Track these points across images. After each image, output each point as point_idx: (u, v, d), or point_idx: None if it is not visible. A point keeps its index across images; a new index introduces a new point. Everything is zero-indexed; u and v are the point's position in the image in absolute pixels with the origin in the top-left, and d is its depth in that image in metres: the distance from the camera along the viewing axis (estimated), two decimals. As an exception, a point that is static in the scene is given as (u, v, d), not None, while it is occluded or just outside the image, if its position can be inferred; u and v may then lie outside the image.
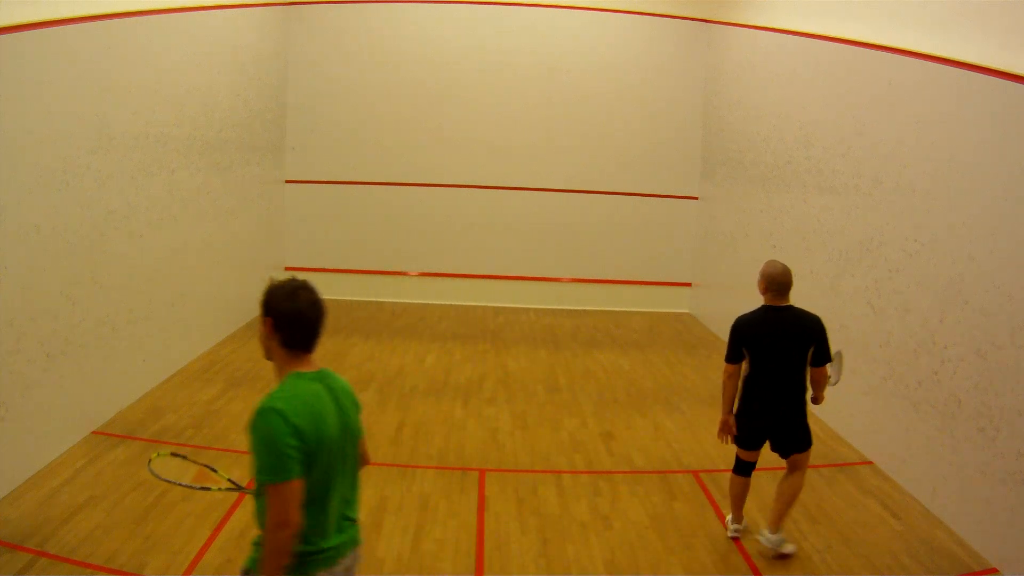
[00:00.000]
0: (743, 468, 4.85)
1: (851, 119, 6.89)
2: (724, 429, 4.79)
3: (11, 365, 5.13)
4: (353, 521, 2.74)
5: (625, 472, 5.94)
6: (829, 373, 4.62)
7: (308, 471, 2.50)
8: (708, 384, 8.22)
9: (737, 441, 4.80)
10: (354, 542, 2.74)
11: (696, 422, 7.05)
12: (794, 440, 4.65)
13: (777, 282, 4.57)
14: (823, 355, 4.57)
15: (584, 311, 11.74)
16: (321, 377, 2.64)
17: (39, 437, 5.48)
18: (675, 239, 11.93)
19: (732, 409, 4.74)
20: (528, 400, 7.55)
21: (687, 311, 11.89)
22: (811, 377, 4.61)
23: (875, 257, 6.35)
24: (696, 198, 11.77)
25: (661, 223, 11.92)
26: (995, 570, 4.64)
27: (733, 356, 4.67)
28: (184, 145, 7.84)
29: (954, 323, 5.29)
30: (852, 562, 4.68)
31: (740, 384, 4.69)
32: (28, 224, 5.27)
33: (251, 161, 9.96)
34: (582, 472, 5.91)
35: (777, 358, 4.56)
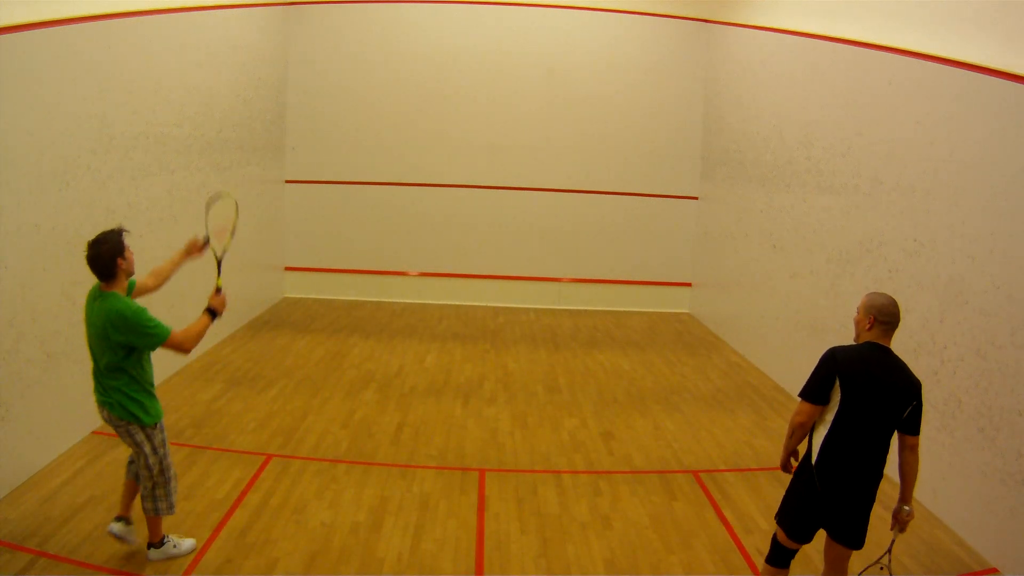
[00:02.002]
0: (782, 557, 3.80)
1: (851, 119, 6.90)
2: (786, 465, 3.84)
3: (11, 365, 5.14)
4: (101, 399, 4.13)
5: (625, 472, 5.94)
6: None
7: None
8: (708, 384, 8.22)
9: (786, 524, 3.77)
10: (101, 406, 4.14)
11: (696, 422, 7.05)
12: (855, 529, 3.68)
13: (888, 313, 3.62)
14: (918, 420, 3.60)
15: (584, 311, 11.75)
16: (96, 294, 4.07)
17: (39, 437, 5.48)
18: (675, 239, 11.93)
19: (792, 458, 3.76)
20: (528, 400, 7.55)
21: (687, 311, 11.89)
22: (900, 444, 3.65)
23: (875, 257, 6.35)
24: (696, 198, 11.77)
25: (661, 223, 11.92)
26: (995, 570, 4.65)
27: (820, 395, 3.57)
28: (184, 145, 7.84)
29: (954, 323, 5.29)
30: (852, 562, 4.67)
31: (816, 442, 3.66)
32: (28, 224, 5.28)
33: (251, 161, 9.96)
34: (582, 472, 5.91)
35: (874, 411, 3.55)
